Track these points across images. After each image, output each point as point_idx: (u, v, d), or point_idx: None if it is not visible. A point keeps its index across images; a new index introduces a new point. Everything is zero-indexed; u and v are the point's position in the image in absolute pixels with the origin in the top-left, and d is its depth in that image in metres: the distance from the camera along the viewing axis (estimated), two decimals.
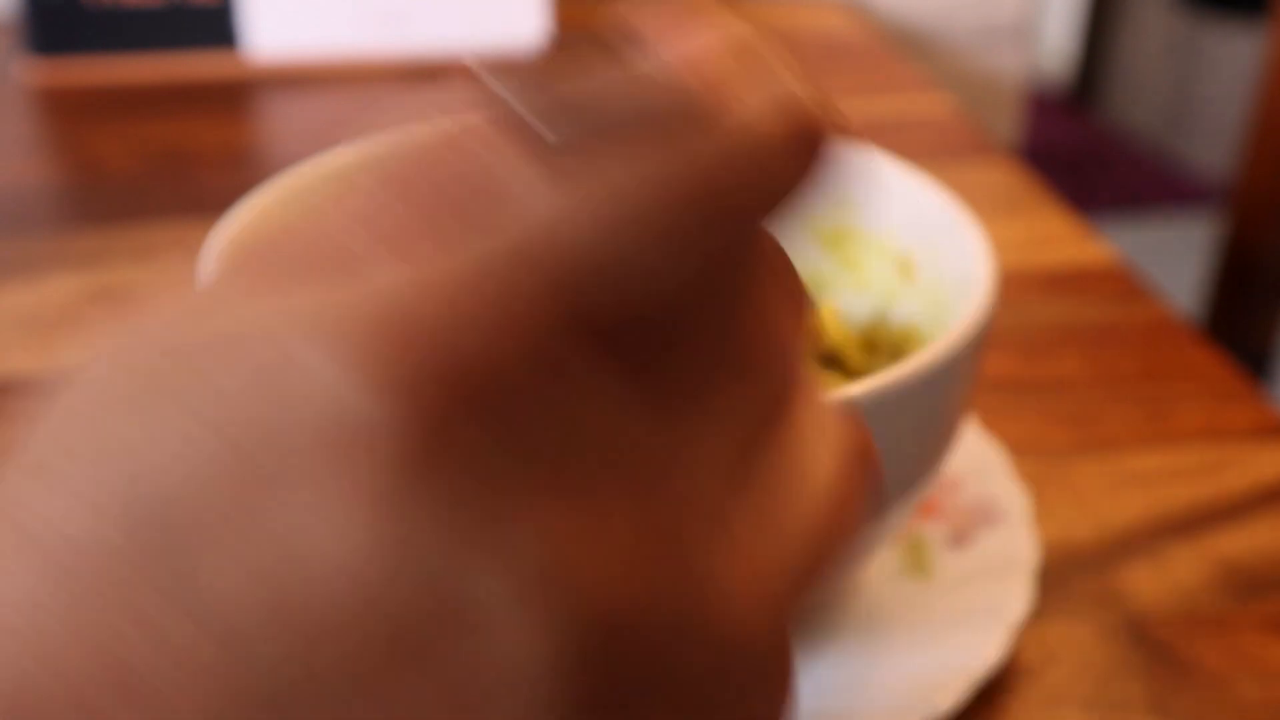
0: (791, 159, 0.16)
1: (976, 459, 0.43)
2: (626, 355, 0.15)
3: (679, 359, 0.16)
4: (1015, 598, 0.37)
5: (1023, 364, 0.54)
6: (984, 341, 0.33)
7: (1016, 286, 0.60)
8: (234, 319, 0.13)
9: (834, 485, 0.17)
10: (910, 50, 1.08)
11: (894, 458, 0.31)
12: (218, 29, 0.86)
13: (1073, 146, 2.56)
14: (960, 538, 0.41)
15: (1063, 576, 0.42)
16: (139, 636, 0.12)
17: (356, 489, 0.12)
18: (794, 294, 0.18)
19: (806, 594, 0.16)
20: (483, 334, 0.13)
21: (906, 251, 0.40)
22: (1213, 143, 2.37)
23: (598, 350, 0.14)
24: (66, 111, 0.81)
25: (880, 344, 0.40)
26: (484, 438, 0.13)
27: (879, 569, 0.40)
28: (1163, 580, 0.42)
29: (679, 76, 0.16)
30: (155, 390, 0.13)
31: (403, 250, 0.14)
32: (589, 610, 0.13)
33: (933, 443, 0.32)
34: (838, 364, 0.38)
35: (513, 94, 0.15)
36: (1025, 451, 0.48)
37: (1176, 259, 1.96)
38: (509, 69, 0.16)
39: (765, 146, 0.16)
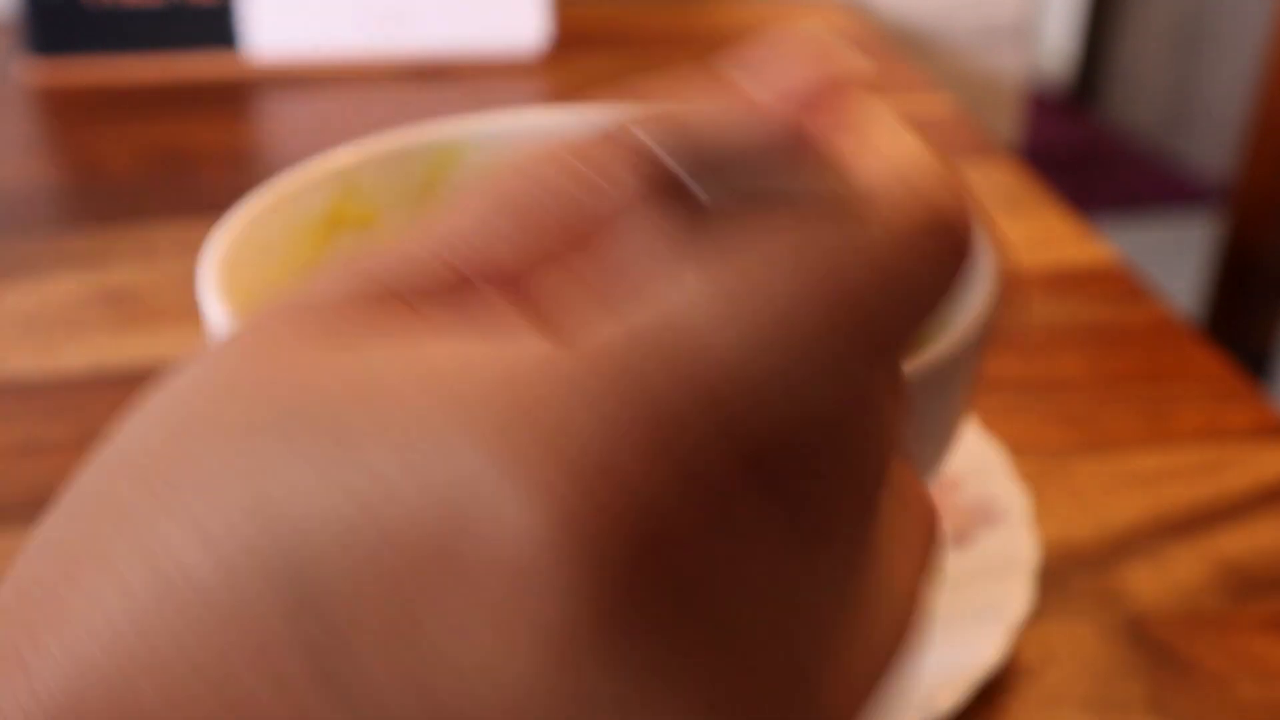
0: (942, 266, 0.15)
1: (976, 459, 0.44)
2: (779, 488, 0.14)
3: (823, 488, 0.14)
4: (1015, 597, 0.37)
5: (1022, 364, 0.54)
6: (985, 342, 0.33)
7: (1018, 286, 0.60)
8: (367, 366, 0.13)
9: (913, 590, 0.16)
10: (910, 50, 1.08)
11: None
12: (218, 29, 0.86)
13: (1072, 146, 2.56)
14: (960, 538, 0.41)
15: (1063, 576, 0.42)
16: (274, 700, 0.12)
17: (531, 626, 0.12)
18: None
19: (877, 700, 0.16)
20: (661, 477, 0.12)
21: None
22: (1212, 142, 2.38)
23: (756, 486, 0.13)
24: (67, 112, 0.82)
25: None
26: (664, 598, 0.13)
27: None
28: (1163, 580, 0.42)
29: (824, 142, 0.15)
30: (288, 431, 0.13)
31: (531, 304, 0.13)
32: None
33: (933, 443, 0.32)
34: None
35: (659, 143, 0.14)
36: (1025, 451, 0.48)
37: (1176, 259, 1.96)
38: (651, 116, 0.15)
39: (921, 254, 0.15)
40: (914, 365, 0.30)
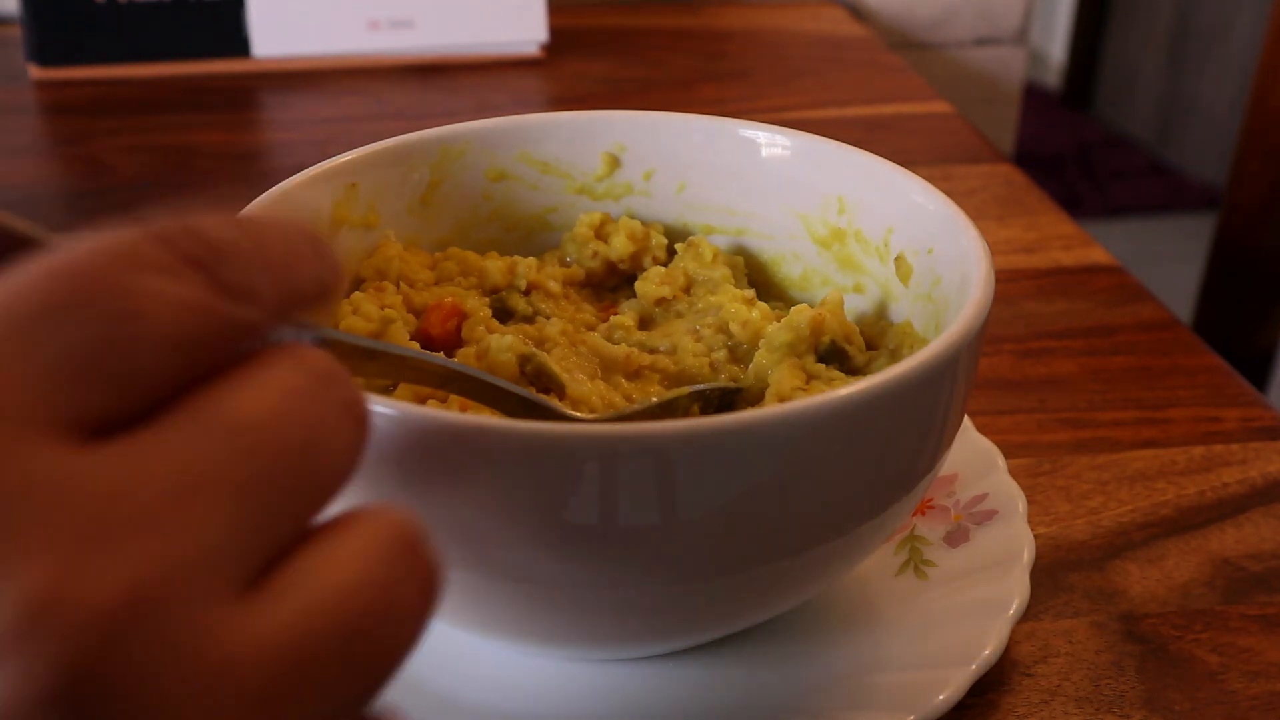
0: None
1: (974, 458, 0.44)
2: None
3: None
4: (1011, 595, 0.38)
5: (1020, 364, 0.54)
6: (981, 341, 0.33)
7: (1014, 287, 0.61)
8: None
9: (366, 575, 0.19)
10: (910, 51, 1.08)
11: (891, 456, 0.32)
12: (224, 30, 0.86)
13: (1070, 148, 2.56)
14: (957, 536, 0.41)
15: (1058, 574, 0.42)
16: None
17: None
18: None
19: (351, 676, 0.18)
20: None
21: (904, 252, 0.40)
22: (1207, 145, 2.38)
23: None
24: (73, 113, 0.82)
25: (877, 343, 0.40)
26: None
27: (877, 567, 0.40)
28: (1157, 577, 0.42)
29: None
30: None
31: None
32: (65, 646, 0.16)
33: (931, 442, 0.33)
34: (841, 356, 0.38)
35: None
36: (1022, 450, 0.48)
37: (1171, 261, 1.97)
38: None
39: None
40: (913, 365, 0.30)
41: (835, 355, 0.38)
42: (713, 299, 0.41)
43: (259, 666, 0.17)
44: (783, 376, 0.36)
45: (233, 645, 0.17)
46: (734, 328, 0.40)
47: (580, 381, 0.37)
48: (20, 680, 0.16)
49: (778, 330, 0.38)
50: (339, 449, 0.20)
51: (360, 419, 0.21)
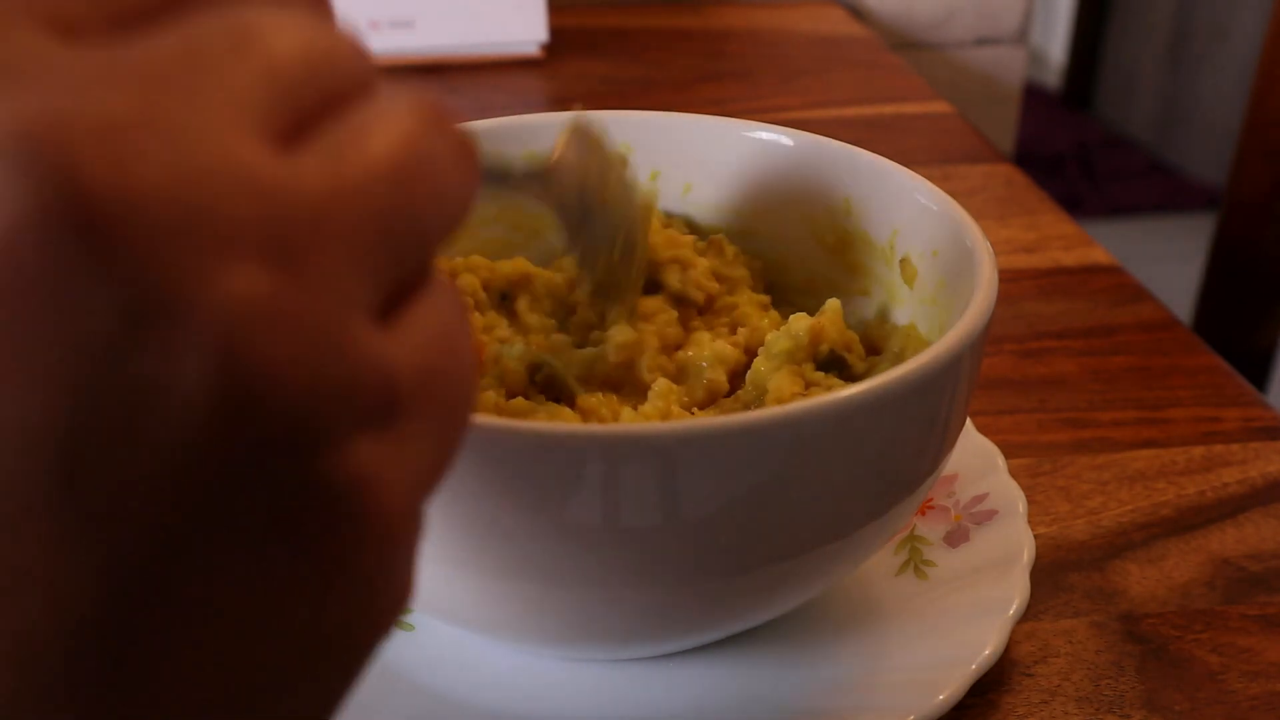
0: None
1: (974, 458, 0.44)
2: None
3: None
4: (1011, 595, 0.38)
5: (1020, 364, 0.54)
6: (984, 343, 0.33)
7: (1014, 287, 0.61)
8: None
9: (404, 139, 0.18)
10: (910, 51, 1.09)
11: (894, 457, 0.32)
12: None
13: (1070, 148, 2.56)
14: (957, 536, 0.41)
15: (1059, 574, 0.42)
16: None
17: None
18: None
19: (392, 235, 0.18)
20: None
21: (907, 253, 0.40)
22: (1207, 145, 2.38)
23: None
24: None
25: (881, 346, 0.40)
26: None
27: (877, 567, 0.40)
28: (1157, 577, 0.42)
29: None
30: None
31: None
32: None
33: (933, 443, 0.33)
34: (840, 365, 0.38)
35: None
36: (1022, 450, 0.48)
37: (1170, 261, 1.97)
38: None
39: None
40: (915, 367, 0.30)
41: (835, 363, 0.38)
42: (729, 299, 0.41)
43: (297, 207, 0.16)
44: (781, 383, 0.36)
45: (270, 178, 0.16)
46: (741, 333, 0.39)
47: (590, 391, 0.37)
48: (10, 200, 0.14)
49: (776, 338, 0.38)
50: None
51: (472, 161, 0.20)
